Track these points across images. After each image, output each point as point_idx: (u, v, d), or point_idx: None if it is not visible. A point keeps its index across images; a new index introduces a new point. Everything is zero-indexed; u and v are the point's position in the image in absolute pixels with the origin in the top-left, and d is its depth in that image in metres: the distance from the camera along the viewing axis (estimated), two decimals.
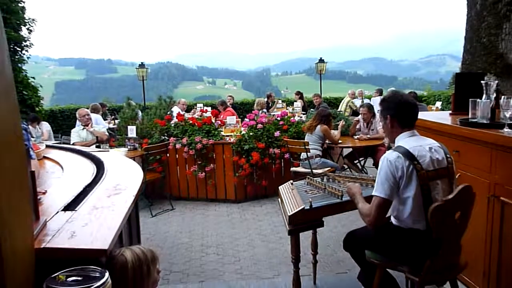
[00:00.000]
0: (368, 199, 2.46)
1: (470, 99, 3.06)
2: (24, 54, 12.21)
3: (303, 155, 5.92)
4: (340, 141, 6.39)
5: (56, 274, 1.50)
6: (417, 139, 2.41)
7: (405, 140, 2.39)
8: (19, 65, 11.88)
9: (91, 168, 3.14)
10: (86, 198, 2.28)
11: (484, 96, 2.89)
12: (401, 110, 2.43)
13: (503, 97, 2.64)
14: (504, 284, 2.62)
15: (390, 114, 2.45)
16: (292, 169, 6.14)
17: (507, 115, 2.59)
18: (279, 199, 3.09)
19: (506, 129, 2.60)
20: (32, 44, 12.36)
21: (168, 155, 6.42)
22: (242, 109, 14.45)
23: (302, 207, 2.64)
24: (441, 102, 11.78)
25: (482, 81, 2.92)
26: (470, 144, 2.86)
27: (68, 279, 1.48)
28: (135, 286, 1.74)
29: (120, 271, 1.71)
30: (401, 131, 2.44)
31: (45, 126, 8.89)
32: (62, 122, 13.82)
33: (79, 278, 1.49)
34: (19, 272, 1.46)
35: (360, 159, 6.78)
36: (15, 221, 1.44)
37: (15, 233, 1.42)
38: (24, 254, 1.51)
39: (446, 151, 2.41)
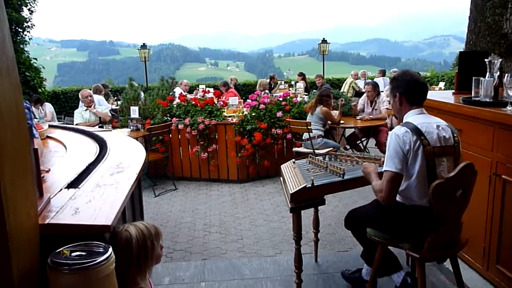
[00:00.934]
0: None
1: (473, 78, 3.03)
2: (26, 35, 12.14)
3: (305, 135, 5.92)
4: (342, 122, 6.37)
5: (60, 249, 1.53)
6: (425, 116, 2.42)
7: (413, 117, 2.40)
8: (21, 46, 11.82)
9: (94, 147, 3.15)
10: (89, 176, 2.30)
11: (487, 74, 2.86)
12: (410, 88, 2.43)
13: (506, 75, 2.62)
14: (504, 261, 2.65)
15: (399, 92, 2.46)
16: (294, 149, 6.15)
17: (510, 94, 2.58)
18: (281, 178, 3.10)
19: (509, 108, 2.58)
20: (34, 25, 12.27)
21: (170, 135, 6.44)
22: (245, 90, 14.35)
23: (304, 185, 2.65)
24: (444, 83, 11.70)
25: (486, 59, 2.89)
26: (472, 123, 2.85)
27: (72, 254, 1.51)
28: (139, 261, 1.76)
29: (125, 246, 1.74)
30: (409, 108, 2.45)
31: (48, 107, 8.89)
32: (65, 103, 13.79)
33: (83, 253, 1.51)
34: (24, 247, 1.48)
35: (362, 139, 6.77)
36: (19, 197, 1.45)
37: (19, 209, 1.44)
38: (28, 230, 1.53)
39: (454, 131, 2.41)
